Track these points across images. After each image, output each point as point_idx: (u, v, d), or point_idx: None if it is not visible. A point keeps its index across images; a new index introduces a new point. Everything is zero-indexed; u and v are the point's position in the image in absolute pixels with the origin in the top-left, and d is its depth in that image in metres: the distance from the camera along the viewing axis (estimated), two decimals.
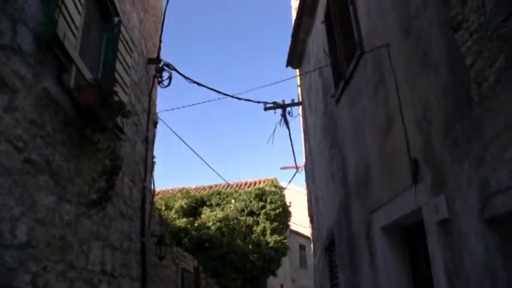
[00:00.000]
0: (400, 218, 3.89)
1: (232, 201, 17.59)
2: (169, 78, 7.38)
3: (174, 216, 15.82)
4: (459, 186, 2.75)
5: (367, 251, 4.71)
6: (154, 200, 10.30)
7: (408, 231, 4.17)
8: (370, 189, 4.65)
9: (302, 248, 27.29)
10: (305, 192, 18.33)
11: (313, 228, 12.35)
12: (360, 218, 5.01)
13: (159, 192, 19.56)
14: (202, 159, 26.30)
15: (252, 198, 17.86)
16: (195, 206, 17.49)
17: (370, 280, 4.60)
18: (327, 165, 7.16)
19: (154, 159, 7.37)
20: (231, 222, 15.64)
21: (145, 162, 6.74)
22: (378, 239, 4.38)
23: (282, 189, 19.04)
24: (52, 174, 3.59)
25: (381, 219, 4.31)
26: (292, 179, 33.45)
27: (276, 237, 17.45)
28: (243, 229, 16.60)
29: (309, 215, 12.82)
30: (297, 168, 15.13)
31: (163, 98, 24.85)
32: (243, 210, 17.49)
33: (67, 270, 3.75)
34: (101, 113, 3.94)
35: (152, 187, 7.04)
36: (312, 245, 26.92)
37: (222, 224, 15.04)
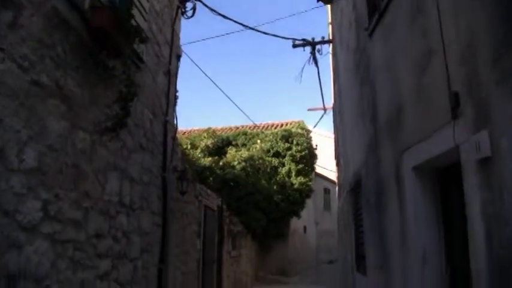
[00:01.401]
0: (433, 158, 3.58)
1: (258, 141, 17.44)
2: (193, 8, 7.04)
3: (199, 155, 15.82)
4: (506, 121, 2.43)
5: (396, 192, 4.47)
6: (180, 138, 10.22)
7: (441, 173, 3.89)
8: (402, 127, 4.34)
9: (326, 191, 27.31)
10: (332, 136, 18.07)
11: (339, 171, 12.17)
12: (390, 158, 4.73)
13: (184, 132, 19.59)
14: (226, 95, 26.22)
15: (278, 139, 17.68)
16: (221, 145, 17.44)
17: (398, 222, 4.38)
18: (357, 104, 6.82)
19: (177, 94, 7.16)
20: (256, 162, 15.56)
21: (168, 95, 6.53)
22: (408, 179, 4.11)
23: (308, 131, 18.77)
24: (64, 99, 3.40)
25: (412, 159, 4.02)
26: (319, 120, 32.98)
27: (301, 179, 17.38)
28: (268, 170, 16.54)
29: (335, 157, 12.61)
30: (324, 109, 14.78)
31: (187, 31, 24.29)
32: (268, 151, 17.36)
33: (81, 199, 3.64)
34: (116, 36, 3.69)
35: (175, 122, 6.87)
36: (336, 189, 26.90)
37: (247, 164, 14.97)
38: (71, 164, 3.48)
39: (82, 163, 3.67)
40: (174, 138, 6.72)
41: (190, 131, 20.20)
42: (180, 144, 8.32)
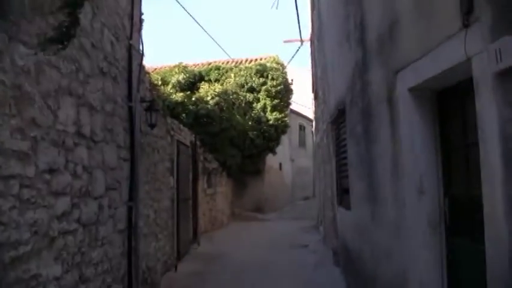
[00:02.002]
0: (436, 76, 3.09)
1: (232, 76, 16.75)
2: None
3: (170, 91, 15.08)
4: None
5: (388, 118, 4.01)
6: (150, 74, 9.49)
7: (440, 96, 3.44)
8: (396, 45, 3.81)
9: (302, 128, 27.08)
10: (308, 70, 17.48)
11: (316, 105, 11.72)
12: (381, 80, 4.23)
13: (155, 69, 18.64)
14: (199, 24, 25.12)
15: (252, 74, 17.03)
16: (193, 81, 16.70)
17: (389, 150, 3.96)
18: (341, 27, 6.24)
19: (143, 17, 6.42)
20: (231, 97, 14.97)
21: (132, 17, 5.81)
22: (403, 103, 3.64)
23: (283, 66, 18.11)
24: None
25: (409, 80, 3.53)
26: (296, 53, 32.05)
27: (276, 114, 16.93)
28: (243, 105, 16.00)
29: (313, 91, 12.12)
30: (301, 41, 14.11)
31: None
32: (242, 86, 16.75)
33: (27, 127, 3.05)
34: None
35: (141, 48, 6.17)
36: (313, 125, 26.65)
37: (221, 99, 14.36)
38: (11, 85, 2.87)
39: (25, 84, 3.05)
40: (141, 65, 6.06)
41: (160, 68, 19.29)
42: (149, 75, 7.64)
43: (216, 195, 14.14)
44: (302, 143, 27.09)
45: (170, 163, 8.09)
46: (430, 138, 3.53)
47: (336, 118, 6.72)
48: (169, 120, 8.19)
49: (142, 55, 6.11)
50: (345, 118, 6.00)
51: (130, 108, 5.52)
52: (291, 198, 24.18)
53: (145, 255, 6.23)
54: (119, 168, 5.08)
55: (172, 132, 8.27)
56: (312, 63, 12.29)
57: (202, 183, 12.50)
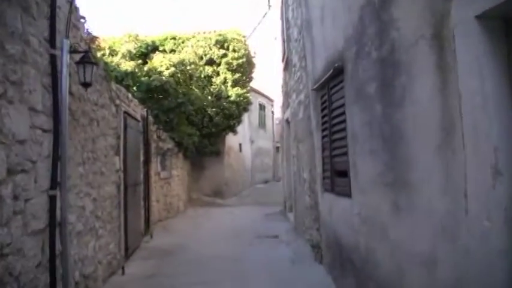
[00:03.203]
0: None
1: (190, 45, 15.06)
2: None
3: (120, 61, 13.25)
4: None
5: (432, 65, 2.63)
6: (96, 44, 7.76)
7: None
8: None
9: (262, 107, 25.73)
10: (273, 39, 15.99)
11: (287, 75, 10.30)
12: (419, 12, 2.84)
13: (103, 39, 16.61)
14: None
15: (212, 45, 15.44)
16: (146, 52, 14.95)
17: (435, 112, 2.59)
18: None
19: None
20: (188, 68, 13.31)
21: None
22: (466, 37, 2.28)
23: (245, 38, 16.58)
24: None
25: (478, 3, 2.18)
26: (263, 17, 30.21)
27: (237, 90, 15.45)
28: (202, 77, 14.39)
29: (283, 59, 10.69)
30: (269, 5, 12.63)
31: None
32: (201, 58, 15.13)
33: None
34: None
35: None
36: (273, 105, 25.27)
37: (177, 70, 12.68)
38: None
39: None
40: (72, 2, 4.42)
41: (109, 39, 17.25)
42: (86, 23, 5.98)
43: (172, 179, 12.57)
44: (262, 124, 25.75)
45: (115, 140, 6.49)
46: (508, 91, 2.20)
47: (326, 82, 5.34)
48: (114, 86, 6.55)
49: None
50: (344, 78, 4.61)
51: (53, 58, 3.91)
52: (251, 181, 22.86)
53: (80, 260, 4.68)
54: (33, 142, 3.49)
55: (117, 101, 6.65)
56: (282, 26, 10.82)
57: (155, 166, 10.91)
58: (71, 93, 4.38)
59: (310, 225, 7.53)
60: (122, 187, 6.72)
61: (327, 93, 5.41)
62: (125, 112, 7.09)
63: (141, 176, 8.94)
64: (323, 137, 5.87)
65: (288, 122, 10.95)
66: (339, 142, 5.00)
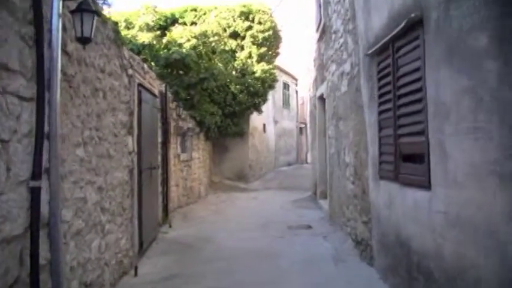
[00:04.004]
0: None
1: (212, 16, 13.88)
2: None
3: (136, 33, 12.16)
4: None
5: None
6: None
7: None
8: None
9: (286, 86, 24.52)
10: (297, 16, 14.76)
11: (322, 44, 9.13)
12: None
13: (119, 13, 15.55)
14: None
15: (236, 17, 14.23)
16: (164, 25, 13.85)
17: None
18: None
19: None
20: (211, 39, 12.18)
21: None
22: None
23: (271, 9, 15.32)
24: None
25: None
26: None
27: (263, 65, 14.27)
28: (225, 51, 13.26)
29: (318, 28, 9.49)
30: None
31: None
32: (224, 31, 13.95)
33: None
34: None
35: None
36: (297, 84, 24.04)
37: (199, 42, 11.57)
38: None
39: None
40: None
41: (126, 13, 16.17)
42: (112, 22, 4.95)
43: (192, 162, 11.57)
44: (286, 103, 24.57)
45: (128, 116, 5.46)
46: None
47: (388, 43, 4.20)
48: (126, 52, 5.50)
49: None
50: (423, 32, 3.46)
51: (37, 1, 2.86)
52: (274, 164, 21.80)
53: (80, 266, 3.69)
54: (3, 114, 2.46)
55: (130, 71, 5.60)
56: None
57: (175, 147, 9.91)
58: (65, 52, 3.34)
59: (354, 217, 6.46)
60: (135, 172, 5.71)
61: (391, 56, 4.26)
62: (140, 84, 6.05)
63: (159, 158, 7.96)
64: (381, 112, 4.75)
65: (322, 98, 9.80)
66: (410, 117, 3.88)
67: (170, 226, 8.04)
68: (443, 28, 3.16)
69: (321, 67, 9.53)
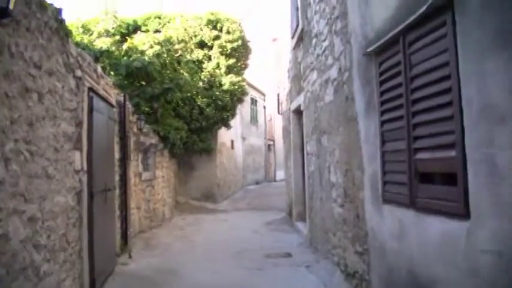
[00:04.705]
0: None
1: (178, 22, 12.96)
2: None
3: (94, 39, 11.08)
4: None
5: None
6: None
7: None
8: None
9: (254, 102, 23.75)
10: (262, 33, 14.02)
11: (300, 48, 8.36)
12: None
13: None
14: None
15: (203, 25, 13.37)
16: (126, 32, 12.84)
17: None
18: None
19: None
20: (176, 47, 11.24)
21: None
22: None
23: (240, 19, 14.55)
24: None
25: None
26: None
27: (232, 77, 13.42)
28: (191, 61, 12.34)
29: (294, 34, 8.72)
30: None
31: None
32: (191, 39, 13.04)
33: None
34: None
35: None
36: (265, 99, 23.39)
37: (163, 49, 10.60)
38: None
39: None
40: None
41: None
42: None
43: (156, 181, 10.52)
44: (254, 119, 23.76)
45: (74, 127, 4.46)
46: None
47: (396, 37, 3.42)
48: (73, 49, 4.53)
49: None
50: (452, 16, 2.67)
51: None
52: (242, 182, 20.86)
53: None
54: None
55: (79, 73, 4.62)
56: None
57: (136, 165, 8.88)
58: None
59: (342, 245, 5.60)
60: (84, 195, 4.69)
61: (401, 53, 3.45)
62: (91, 89, 5.06)
63: (116, 177, 6.92)
64: (384, 122, 3.93)
65: (298, 111, 9.00)
66: (432, 127, 3.06)
67: (130, 256, 6.98)
68: (490, 4, 2.37)
69: (297, 77, 8.74)
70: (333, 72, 5.69)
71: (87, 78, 4.94)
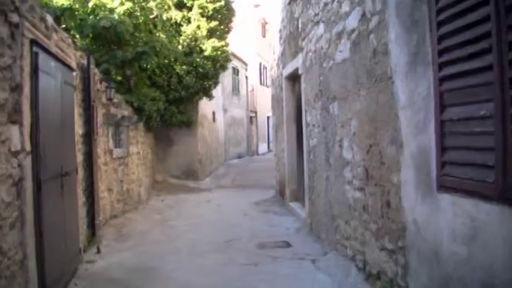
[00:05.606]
0: None
1: None
2: None
3: None
4: None
5: None
6: None
7: None
8: None
9: (235, 71, 22.42)
10: None
11: (299, 6, 7.13)
12: None
13: None
14: None
15: None
16: None
17: None
18: None
19: None
20: (151, 4, 9.84)
21: None
22: None
23: None
24: None
25: None
26: None
27: (214, 42, 12.10)
28: (169, 23, 10.97)
29: None
30: None
31: None
32: None
33: None
34: None
35: None
36: (247, 69, 22.18)
37: (136, 7, 9.20)
38: None
39: None
40: None
41: None
42: None
43: (130, 158, 9.28)
44: (236, 90, 22.48)
45: (8, 93, 3.21)
46: None
47: None
48: None
49: None
50: None
51: None
52: (225, 157, 19.72)
53: None
54: None
55: (15, 18, 3.34)
56: None
57: (105, 141, 7.62)
58: None
59: (360, 238, 4.55)
60: (27, 184, 3.47)
61: None
62: (35, 43, 3.78)
63: (80, 157, 5.70)
64: (444, 79, 2.80)
65: (293, 77, 7.83)
66: None
67: (99, 251, 5.80)
68: None
69: (293, 37, 7.53)
70: (351, 21, 4.50)
71: (29, 26, 3.66)
